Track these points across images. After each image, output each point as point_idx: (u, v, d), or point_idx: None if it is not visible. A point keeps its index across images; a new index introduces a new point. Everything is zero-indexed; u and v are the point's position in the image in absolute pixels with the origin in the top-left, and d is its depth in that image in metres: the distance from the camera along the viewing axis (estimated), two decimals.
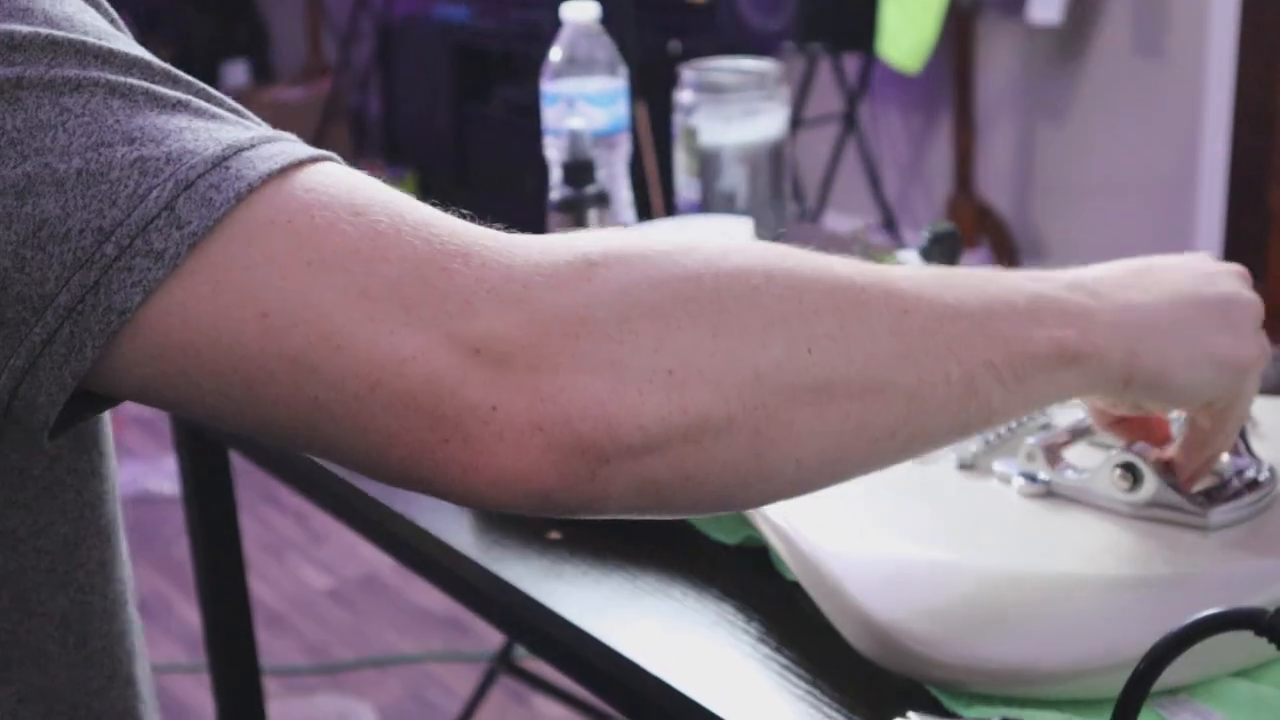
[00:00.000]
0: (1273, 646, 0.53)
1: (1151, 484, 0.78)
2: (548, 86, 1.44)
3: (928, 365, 0.60)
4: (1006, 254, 3.71)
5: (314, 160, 0.56)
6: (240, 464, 1.32)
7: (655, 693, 0.79)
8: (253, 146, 0.54)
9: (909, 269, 0.66)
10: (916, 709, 0.70)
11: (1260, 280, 2.80)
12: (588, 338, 0.53)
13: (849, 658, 0.76)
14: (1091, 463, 0.81)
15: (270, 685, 2.21)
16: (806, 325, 0.56)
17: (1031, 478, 0.82)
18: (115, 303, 0.52)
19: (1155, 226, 3.48)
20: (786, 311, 0.56)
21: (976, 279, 0.64)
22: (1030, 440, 0.82)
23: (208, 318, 0.52)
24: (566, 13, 1.43)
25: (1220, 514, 0.77)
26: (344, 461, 0.56)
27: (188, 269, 0.52)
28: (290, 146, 0.56)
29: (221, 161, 0.53)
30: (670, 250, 0.56)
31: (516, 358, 0.52)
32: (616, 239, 0.56)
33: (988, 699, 0.72)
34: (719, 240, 0.58)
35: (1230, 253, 2.98)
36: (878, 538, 0.78)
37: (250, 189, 0.53)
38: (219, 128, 0.55)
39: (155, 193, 0.52)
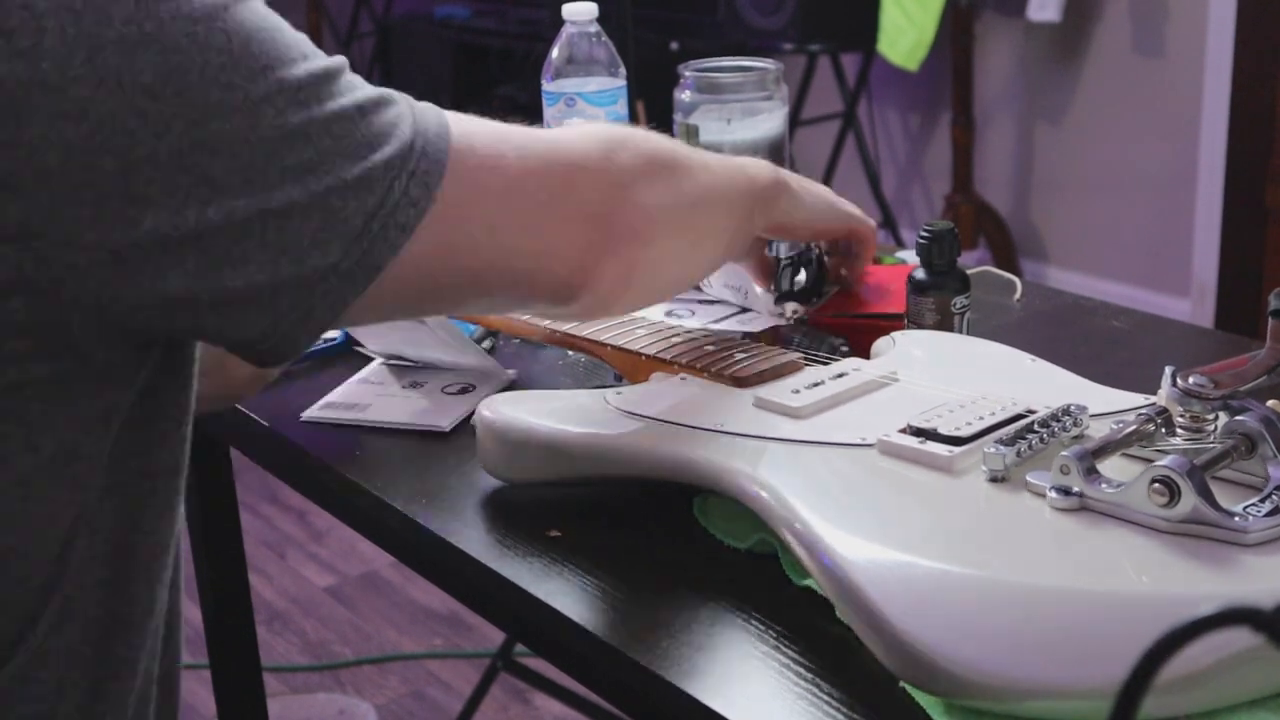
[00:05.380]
0: None
1: (1189, 499, 0.74)
2: (547, 86, 1.44)
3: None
4: (1005, 252, 3.71)
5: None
6: (241, 462, 1.33)
7: (654, 690, 0.79)
8: (418, 128, 0.80)
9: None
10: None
11: (1258, 279, 2.80)
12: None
13: (847, 655, 0.76)
14: (1127, 475, 0.78)
15: (271, 683, 2.21)
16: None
17: (1065, 491, 0.79)
18: (374, 260, 0.75)
19: (1153, 225, 3.48)
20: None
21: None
22: (1064, 452, 0.79)
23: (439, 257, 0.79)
24: (566, 12, 1.44)
25: (1260, 529, 0.74)
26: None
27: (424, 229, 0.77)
28: (416, 113, 0.83)
29: (421, 151, 0.78)
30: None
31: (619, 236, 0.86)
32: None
33: None
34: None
35: (1228, 251, 2.98)
36: (906, 551, 0.75)
37: (442, 167, 0.78)
38: (387, 115, 0.80)
39: (396, 184, 0.76)
